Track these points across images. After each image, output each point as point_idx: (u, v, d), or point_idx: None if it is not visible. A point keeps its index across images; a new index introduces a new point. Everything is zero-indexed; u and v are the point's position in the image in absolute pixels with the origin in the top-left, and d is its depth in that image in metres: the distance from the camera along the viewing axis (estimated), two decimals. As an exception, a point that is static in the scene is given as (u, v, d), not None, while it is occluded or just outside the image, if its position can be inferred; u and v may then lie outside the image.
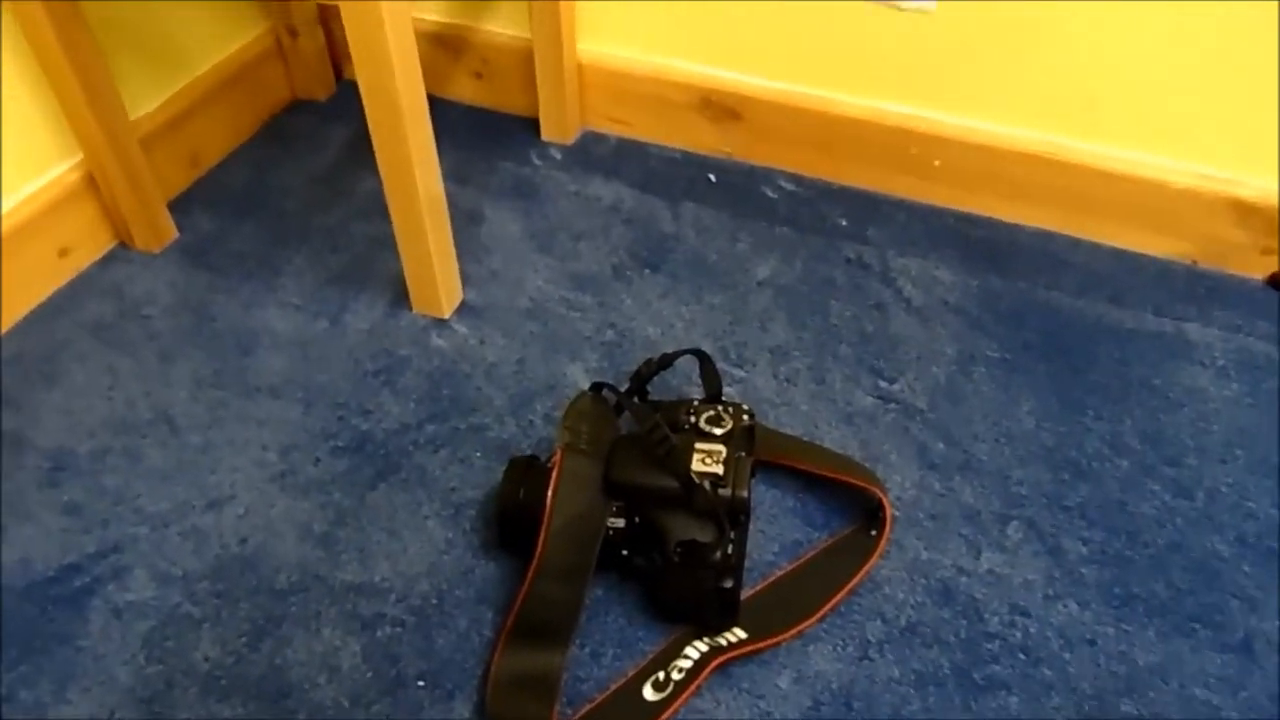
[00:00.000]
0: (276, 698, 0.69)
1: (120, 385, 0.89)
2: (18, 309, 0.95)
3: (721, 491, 0.68)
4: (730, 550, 0.68)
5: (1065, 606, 0.74)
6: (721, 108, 1.11)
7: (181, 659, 0.71)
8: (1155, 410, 0.87)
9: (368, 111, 0.81)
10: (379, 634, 0.72)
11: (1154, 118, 0.96)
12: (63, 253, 0.98)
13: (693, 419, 0.73)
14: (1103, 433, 0.85)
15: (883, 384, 0.90)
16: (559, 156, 1.15)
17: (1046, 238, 1.04)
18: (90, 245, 1.00)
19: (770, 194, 1.10)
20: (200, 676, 0.70)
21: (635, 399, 0.78)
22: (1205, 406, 0.87)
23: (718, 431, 0.72)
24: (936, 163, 1.05)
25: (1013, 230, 1.05)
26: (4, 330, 0.94)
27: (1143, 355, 0.92)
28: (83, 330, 0.94)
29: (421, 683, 0.70)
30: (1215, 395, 0.88)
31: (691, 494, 0.67)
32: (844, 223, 1.06)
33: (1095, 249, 1.03)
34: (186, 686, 0.69)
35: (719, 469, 0.68)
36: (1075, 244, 1.03)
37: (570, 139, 1.16)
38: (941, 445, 0.85)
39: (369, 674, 0.70)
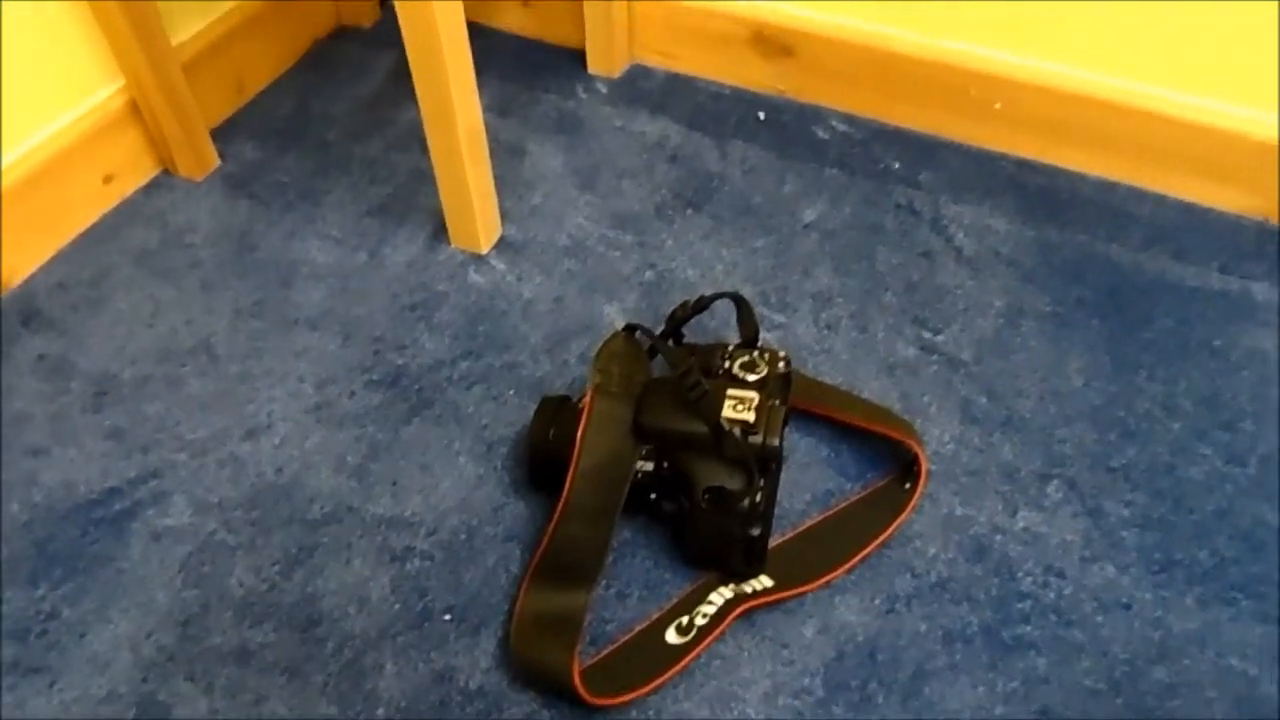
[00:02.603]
0: (307, 625, 0.70)
1: (163, 313, 0.90)
2: (64, 235, 0.96)
3: (752, 439, 0.67)
4: (759, 498, 0.67)
5: (1102, 569, 0.72)
6: (774, 43, 1.07)
7: (217, 584, 0.72)
8: (1213, 372, 0.84)
9: (407, 45, 0.79)
10: (408, 567, 0.73)
11: (1231, 64, 0.90)
12: (107, 179, 0.98)
13: (727, 364, 0.72)
14: (1155, 394, 0.82)
15: (927, 335, 0.87)
16: (605, 90, 1.12)
17: (1110, 188, 0.99)
18: (135, 172, 1.01)
19: (821, 134, 1.06)
20: (235, 602, 0.71)
21: (670, 341, 0.77)
22: (1267, 369, 0.83)
23: (752, 378, 0.71)
24: (997, 105, 1.01)
25: (1074, 179, 1.00)
26: (51, 256, 0.95)
27: (1204, 315, 0.88)
28: (127, 257, 0.95)
29: (448, 616, 0.71)
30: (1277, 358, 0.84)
31: (721, 440, 0.66)
32: (897, 166, 1.02)
33: (1161, 201, 0.98)
34: (221, 611, 0.71)
35: (751, 416, 0.67)
36: (1140, 196, 0.99)
37: (617, 72, 1.14)
38: (984, 400, 0.82)
39: (397, 605, 0.71)
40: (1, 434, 0.81)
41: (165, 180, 1.03)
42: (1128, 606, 0.70)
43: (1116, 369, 0.84)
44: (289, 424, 0.82)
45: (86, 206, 0.98)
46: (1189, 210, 0.97)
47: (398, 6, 0.77)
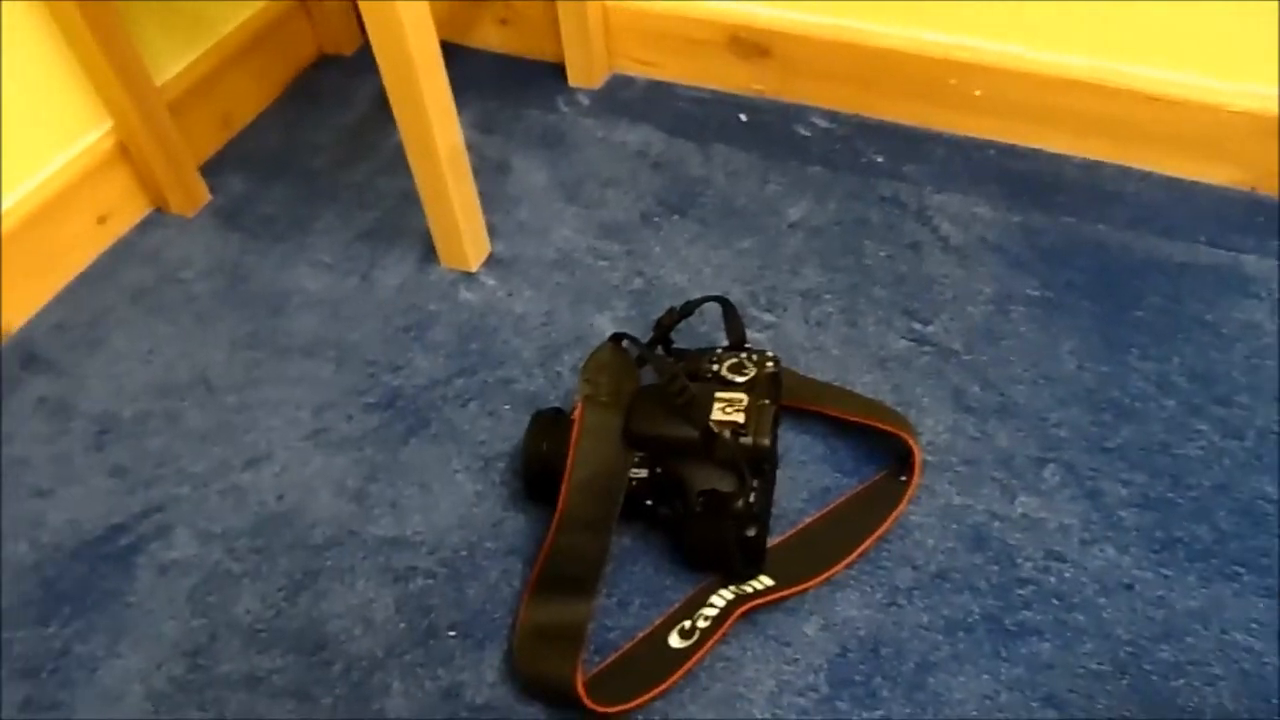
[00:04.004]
0: (314, 649, 0.71)
1: (160, 349, 0.91)
2: (61, 277, 0.97)
3: (743, 440, 0.67)
4: (753, 499, 0.67)
5: (1102, 551, 0.72)
6: (751, 44, 1.07)
7: (224, 613, 0.73)
8: (1206, 347, 0.83)
9: (382, 71, 0.80)
10: (411, 586, 0.74)
11: (1206, 38, 0.90)
12: (101, 220, 1.00)
13: (715, 367, 0.73)
14: (1148, 372, 0.82)
15: (917, 326, 0.87)
16: (586, 102, 1.13)
17: (1094, 169, 0.99)
18: (127, 211, 1.02)
19: (803, 132, 1.07)
20: (242, 630, 0.72)
21: (658, 348, 0.77)
22: (1260, 342, 0.83)
23: (740, 379, 0.71)
24: (977, 93, 1.01)
25: (1058, 162, 1.00)
26: (49, 299, 0.96)
27: (1195, 290, 0.88)
28: (123, 296, 0.96)
29: (453, 633, 0.71)
30: (1271, 330, 0.84)
31: (711, 443, 0.67)
32: (880, 160, 1.03)
33: (1146, 179, 0.98)
34: (229, 639, 0.72)
35: (740, 417, 0.68)
36: (1125, 174, 0.98)
37: (598, 83, 1.14)
38: (977, 388, 0.82)
39: (402, 625, 0.72)
40: (2, 476, 0.82)
41: (158, 218, 1.04)
42: (1130, 587, 0.70)
43: (1108, 349, 0.84)
44: (288, 451, 0.83)
45: (82, 248, 0.99)
46: (1174, 186, 0.97)
47: (370, 34, 0.78)
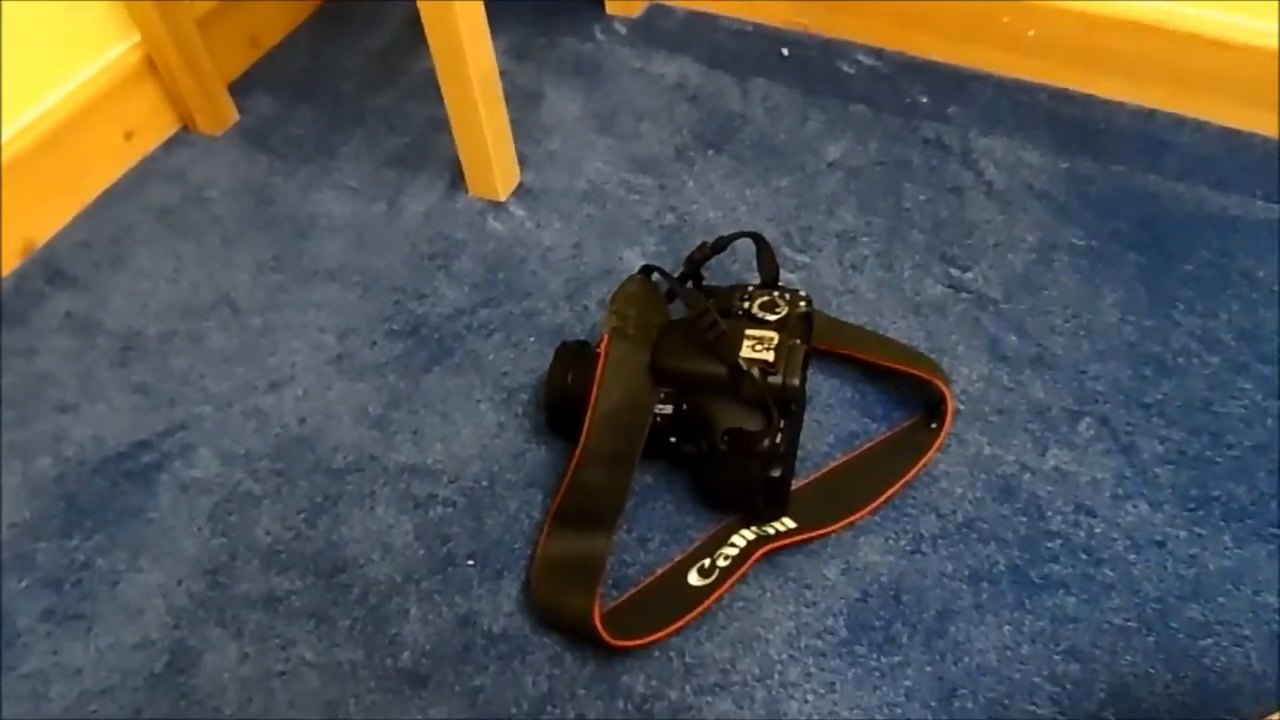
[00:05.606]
0: (332, 572, 0.71)
1: (184, 269, 0.91)
2: (87, 193, 0.97)
3: (771, 379, 0.66)
4: (779, 439, 0.66)
5: (1135, 507, 0.70)
6: (796, -24, 1.04)
7: (244, 533, 0.73)
8: (1255, 304, 0.81)
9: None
10: (431, 513, 0.73)
11: (1278, -24, 0.86)
12: (128, 136, 0.98)
13: (746, 304, 0.71)
14: (1193, 327, 0.79)
15: (955, 272, 0.85)
16: (623, 31, 1.10)
17: (1147, 116, 0.96)
18: (154, 128, 1.01)
19: (846, 69, 1.03)
20: (261, 550, 0.72)
21: (688, 283, 0.75)
22: (1311, 300, 0.80)
23: (771, 318, 0.69)
24: (1030, 33, 0.97)
25: (1110, 108, 0.97)
26: (74, 214, 0.96)
27: (1246, 244, 0.85)
28: (148, 214, 0.96)
29: (471, 562, 0.71)
30: (1324, 287, 0.81)
31: (740, 381, 0.65)
32: (924, 100, 0.99)
33: (1201, 128, 0.94)
34: (248, 559, 0.72)
35: (769, 356, 0.66)
36: (1180, 123, 0.95)
37: (636, 12, 1.11)
38: (1014, 337, 0.80)
39: (420, 552, 0.72)
40: (2, 393, 0.82)
41: (184, 136, 1.03)
42: (1161, 544, 0.68)
43: (1153, 303, 0.81)
44: (311, 375, 0.82)
45: (108, 164, 0.98)
46: (1230, 137, 0.93)
47: (404, -52, 0.75)
